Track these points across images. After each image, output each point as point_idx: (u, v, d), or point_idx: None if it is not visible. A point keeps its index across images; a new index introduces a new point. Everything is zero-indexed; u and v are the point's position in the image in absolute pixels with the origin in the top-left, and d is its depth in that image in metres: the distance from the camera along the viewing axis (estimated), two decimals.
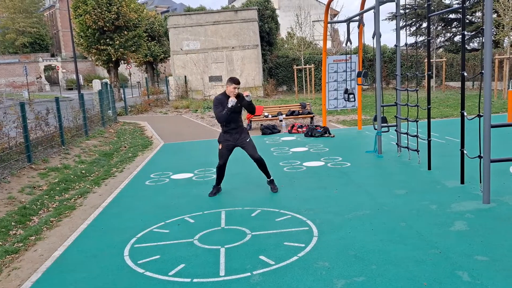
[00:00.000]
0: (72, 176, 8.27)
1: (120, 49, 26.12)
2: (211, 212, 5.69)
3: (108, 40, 25.79)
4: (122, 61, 28.63)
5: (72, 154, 10.12)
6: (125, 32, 26.11)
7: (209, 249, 4.47)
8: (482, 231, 4.46)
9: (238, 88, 5.90)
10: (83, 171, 8.77)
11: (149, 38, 36.34)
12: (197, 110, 20.63)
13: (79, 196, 7.10)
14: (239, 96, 5.97)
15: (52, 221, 5.88)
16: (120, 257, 4.44)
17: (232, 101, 5.78)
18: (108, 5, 24.91)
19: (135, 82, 48.38)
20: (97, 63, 28.77)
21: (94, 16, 24.59)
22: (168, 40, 28.64)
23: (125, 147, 11.85)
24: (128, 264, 4.26)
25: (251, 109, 6.15)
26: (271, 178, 6.46)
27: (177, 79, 26.97)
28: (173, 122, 17.31)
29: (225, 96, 5.95)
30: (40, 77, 55.53)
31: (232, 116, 5.94)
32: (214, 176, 7.59)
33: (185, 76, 27.15)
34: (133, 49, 27.19)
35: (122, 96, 24.01)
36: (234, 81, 5.88)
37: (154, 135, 13.77)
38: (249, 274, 3.86)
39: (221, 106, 5.88)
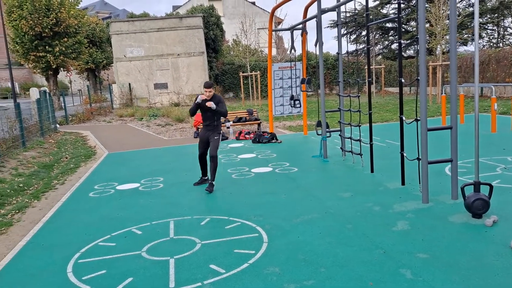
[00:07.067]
0: (8, 190, 7.79)
1: (60, 56, 25.03)
2: (159, 223, 5.57)
3: (47, 46, 24.62)
4: (62, 69, 27.41)
5: (8, 166, 9.55)
6: (65, 39, 25.04)
7: (158, 261, 4.37)
8: (423, 229, 4.69)
9: (209, 91, 6.90)
10: (21, 185, 8.29)
11: (91, 45, 35.16)
12: (142, 118, 20.17)
13: (17, 211, 6.70)
14: (213, 99, 6.99)
15: None
16: (63, 274, 4.23)
17: (198, 98, 6.92)
18: (46, 10, 23.79)
19: (76, 90, 46.57)
20: (34, 70, 27.38)
21: (31, 22, 23.38)
22: (111, 46, 27.84)
23: (66, 158, 11.35)
24: (72, 281, 4.07)
25: (217, 114, 7.05)
26: (213, 182, 7.00)
27: (121, 87, 26.26)
28: (118, 131, 16.82)
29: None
30: None
31: (206, 115, 7.09)
32: (161, 185, 7.54)
33: (129, 84, 26.50)
34: (73, 56, 26.13)
35: (62, 104, 23.01)
36: (204, 85, 7.00)
37: (97, 145, 13.29)
38: (199, 284, 3.81)
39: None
